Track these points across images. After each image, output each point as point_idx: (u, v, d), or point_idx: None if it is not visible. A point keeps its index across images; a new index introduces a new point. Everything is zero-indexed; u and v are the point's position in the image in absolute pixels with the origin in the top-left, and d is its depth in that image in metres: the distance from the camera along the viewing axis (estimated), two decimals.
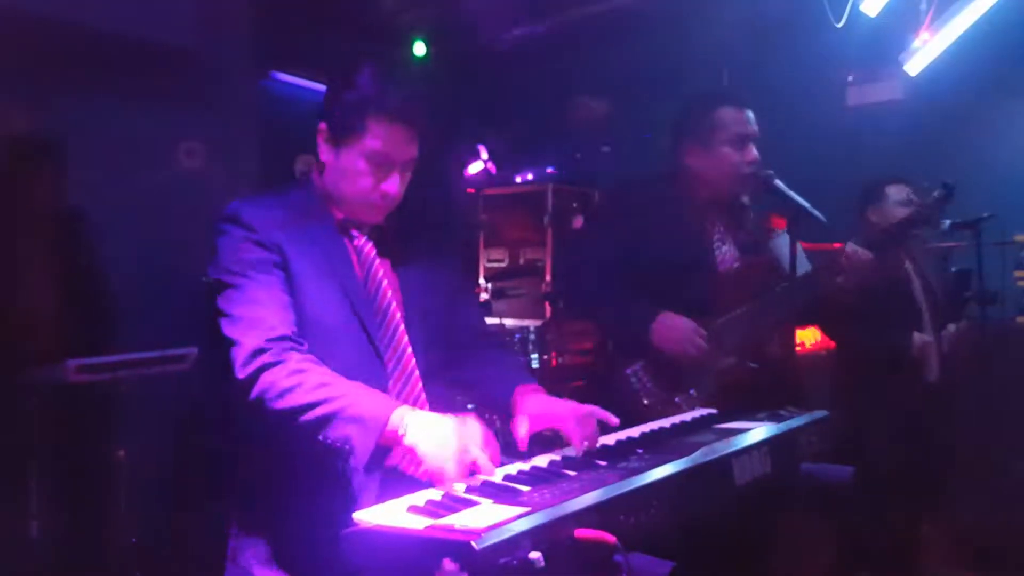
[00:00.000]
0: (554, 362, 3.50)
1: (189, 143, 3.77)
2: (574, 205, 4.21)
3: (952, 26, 3.53)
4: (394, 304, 1.52)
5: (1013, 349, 3.14)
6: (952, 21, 3.52)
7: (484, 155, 4.93)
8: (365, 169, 1.46)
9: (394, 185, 1.49)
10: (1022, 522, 2.90)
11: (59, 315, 3.00)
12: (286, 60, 4.53)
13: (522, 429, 1.45)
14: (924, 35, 3.62)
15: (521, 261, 4.10)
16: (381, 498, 1.18)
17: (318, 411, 1.28)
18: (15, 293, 2.92)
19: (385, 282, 1.53)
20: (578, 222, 4.22)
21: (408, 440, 1.24)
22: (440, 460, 1.21)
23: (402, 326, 1.52)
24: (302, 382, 1.30)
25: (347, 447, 1.26)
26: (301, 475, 1.42)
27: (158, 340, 3.07)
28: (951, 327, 2.90)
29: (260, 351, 1.33)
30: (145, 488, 3.05)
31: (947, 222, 2.90)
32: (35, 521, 2.72)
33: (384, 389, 1.44)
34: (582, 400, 1.49)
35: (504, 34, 5.01)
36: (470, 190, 4.58)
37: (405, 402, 1.43)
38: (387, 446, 1.26)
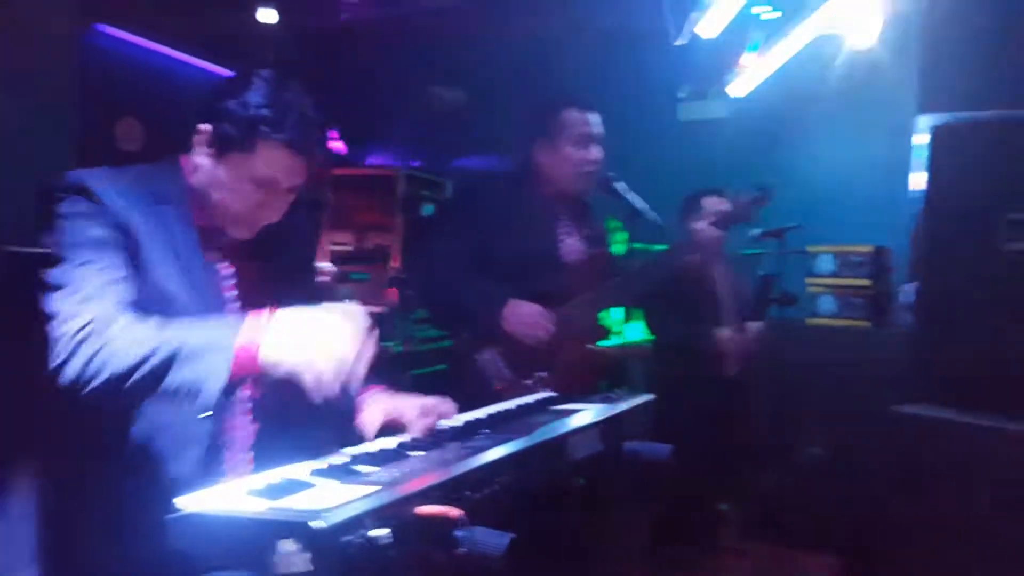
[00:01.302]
0: (400, 349, 3.49)
1: None
2: (425, 193, 4.21)
3: (772, 55, 3.91)
4: (238, 304, 1.43)
5: (804, 347, 3.54)
6: (773, 50, 3.90)
7: (335, 135, 4.80)
8: (248, 190, 1.36)
9: (277, 211, 1.40)
10: (809, 497, 3.31)
11: None
12: (114, 13, 4.16)
13: (370, 429, 1.44)
14: (749, 61, 3.98)
15: (368, 245, 4.05)
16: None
17: (152, 361, 1.16)
18: None
19: (235, 304, 1.43)
20: (427, 210, 4.24)
21: (272, 350, 1.15)
22: (308, 361, 1.13)
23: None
24: (126, 341, 1.18)
25: (195, 389, 1.14)
26: (117, 463, 1.32)
27: None
28: (752, 326, 3.25)
29: (83, 328, 1.20)
30: None
31: (757, 231, 3.21)
32: None
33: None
34: (435, 385, 1.53)
35: (362, 14, 4.90)
36: (318, 169, 4.44)
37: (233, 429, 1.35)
38: (247, 366, 1.16)
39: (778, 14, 3.81)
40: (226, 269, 1.44)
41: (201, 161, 1.39)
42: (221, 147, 1.37)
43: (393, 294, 3.77)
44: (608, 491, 1.70)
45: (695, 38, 3.83)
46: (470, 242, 2.23)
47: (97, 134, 3.64)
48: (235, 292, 1.44)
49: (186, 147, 1.43)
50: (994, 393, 2.36)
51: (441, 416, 1.47)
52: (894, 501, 2.47)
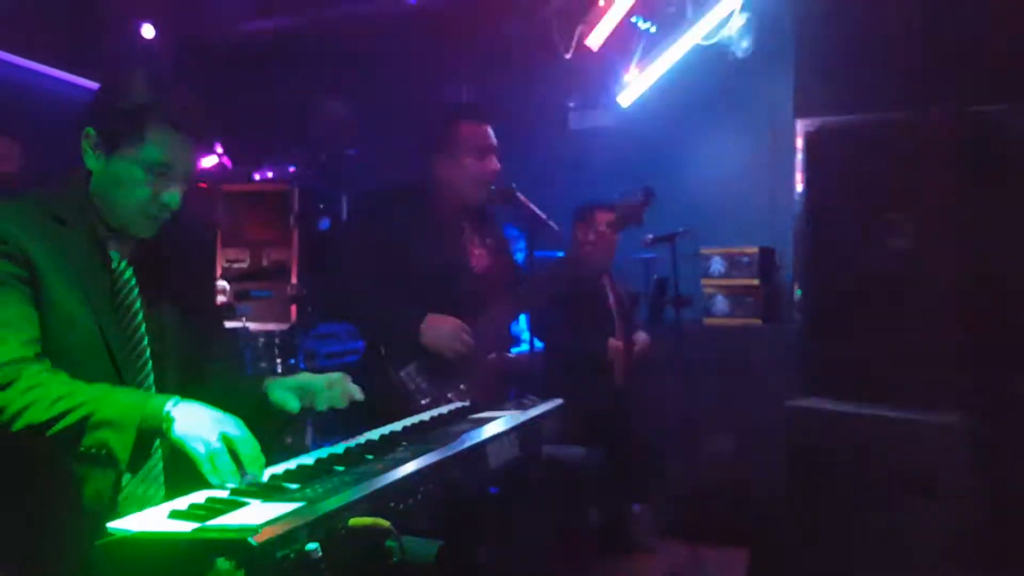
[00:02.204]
0: (302, 365, 3.41)
1: None
2: (321, 206, 4.13)
3: (656, 65, 4.11)
4: (145, 338, 1.43)
5: (701, 346, 3.69)
6: (656, 61, 4.10)
7: (219, 149, 4.63)
8: (143, 179, 1.37)
9: (175, 196, 1.41)
10: (715, 493, 3.45)
11: None
12: (4, 37, 3.87)
13: (290, 401, 1.45)
14: (634, 71, 4.16)
15: (264, 262, 3.93)
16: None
17: (64, 422, 1.18)
18: None
19: (140, 313, 1.43)
20: (325, 223, 4.17)
21: (170, 432, 1.18)
22: (205, 448, 1.16)
23: (150, 362, 1.43)
24: (38, 399, 1.19)
25: (104, 452, 1.17)
26: (39, 488, 1.29)
27: None
28: (640, 334, 3.39)
29: None
30: None
31: (650, 236, 3.36)
32: None
33: None
34: (350, 408, 1.52)
35: (243, 26, 4.77)
36: (202, 184, 4.28)
37: None
38: (148, 442, 1.19)
39: (653, 28, 4.02)
40: (130, 277, 1.45)
41: (93, 165, 1.41)
42: (110, 144, 1.38)
43: (294, 311, 3.69)
44: (528, 494, 1.74)
45: (583, 50, 3.97)
46: (376, 258, 2.22)
47: None
48: (138, 301, 1.44)
49: (73, 160, 1.42)
50: (878, 384, 2.54)
51: (347, 391, 1.51)
52: (790, 491, 2.61)
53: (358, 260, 2.25)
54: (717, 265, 3.90)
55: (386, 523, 1.03)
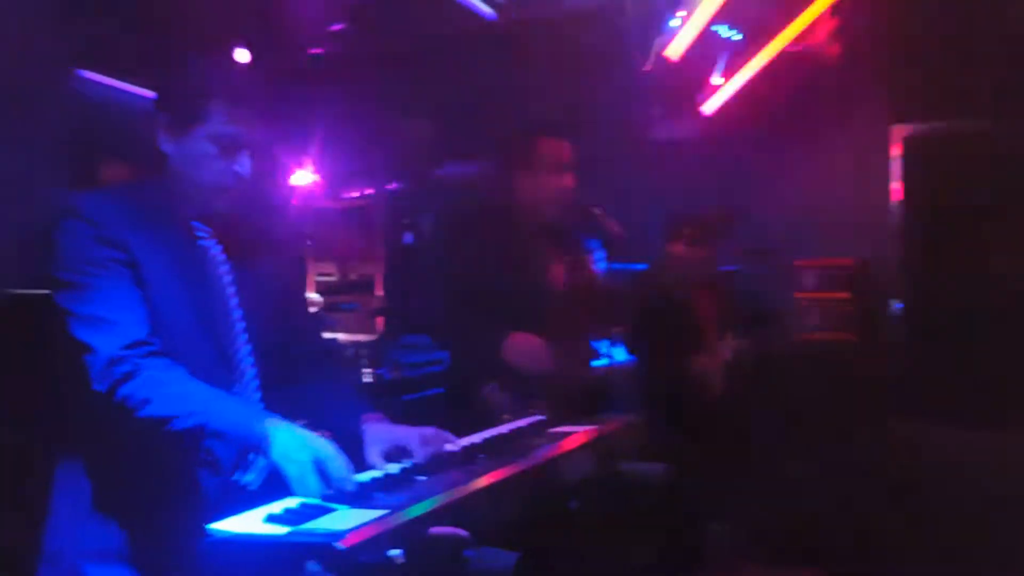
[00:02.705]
0: (387, 375, 3.52)
1: None
2: (404, 221, 4.27)
3: (742, 74, 4.04)
4: (237, 309, 1.52)
5: (794, 363, 3.56)
6: (741, 69, 4.03)
7: (312, 168, 4.85)
8: (214, 152, 1.47)
9: (245, 165, 1.50)
10: (800, 515, 3.33)
11: None
12: (94, 60, 4.20)
13: (379, 463, 1.47)
14: (718, 79, 4.10)
15: (352, 276, 4.09)
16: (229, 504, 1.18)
17: (180, 423, 1.27)
18: None
19: (231, 288, 1.52)
20: (408, 238, 4.30)
21: (271, 454, 1.26)
22: (299, 472, 1.23)
23: (244, 334, 1.51)
24: (161, 393, 1.28)
25: (210, 458, 1.27)
26: (151, 481, 1.38)
27: None
28: (733, 345, 3.31)
29: (115, 360, 1.29)
30: None
31: (740, 249, 3.29)
32: None
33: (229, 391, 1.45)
34: (427, 410, 1.57)
35: (329, 47, 4.98)
36: (295, 202, 4.49)
37: None
38: (249, 456, 1.28)
39: (738, 35, 3.94)
40: (219, 253, 1.53)
41: (167, 148, 1.50)
42: (181, 126, 1.48)
43: (380, 322, 3.81)
44: (602, 511, 1.74)
45: (663, 61, 3.95)
46: (457, 275, 2.27)
47: (84, 176, 3.67)
48: (230, 278, 1.53)
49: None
50: (985, 405, 2.39)
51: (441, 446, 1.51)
52: (885, 514, 2.49)
53: (439, 277, 2.31)
54: (810, 279, 3.78)
55: (465, 533, 1.07)
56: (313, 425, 1.58)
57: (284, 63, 4.86)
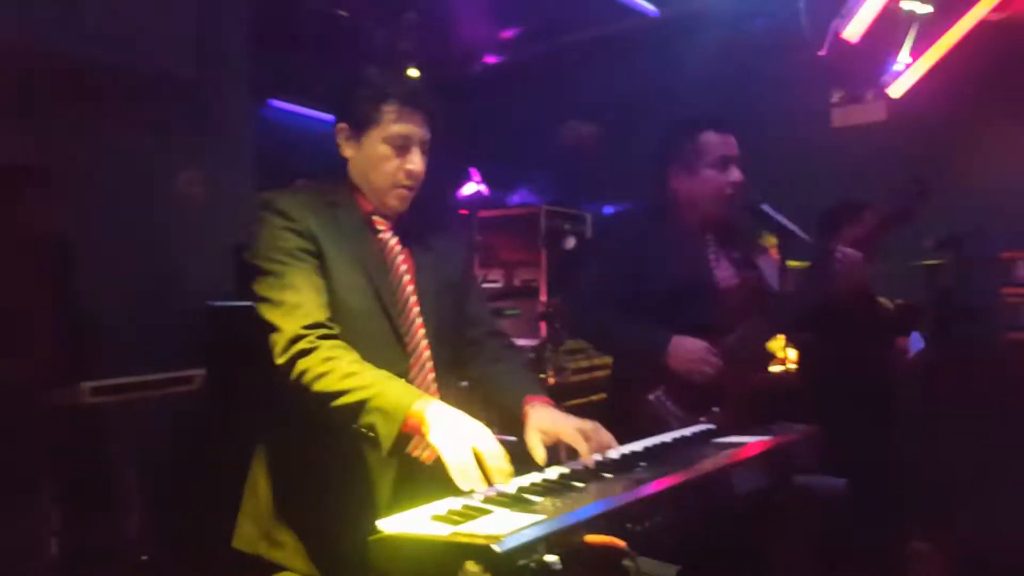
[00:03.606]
0: (551, 380, 3.56)
1: (192, 170, 3.84)
2: (566, 227, 4.30)
3: (933, 50, 3.66)
4: (413, 295, 1.64)
5: (1000, 365, 3.19)
6: (933, 45, 3.66)
7: (477, 178, 5.02)
8: (388, 153, 1.61)
9: (416, 162, 1.63)
10: (1013, 538, 2.96)
11: (72, 339, 3.05)
12: (282, 88, 4.63)
13: (537, 449, 1.50)
14: (906, 58, 3.75)
15: (516, 282, 4.18)
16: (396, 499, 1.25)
17: (347, 398, 1.38)
18: (32, 319, 2.96)
19: (407, 276, 1.65)
20: (570, 243, 4.32)
21: (428, 434, 1.32)
22: (455, 456, 1.28)
23: (419, 317, 1.63)
24: (333, 369, 1.40)
25: (372, 434, 1.35)
26: (328, 479, 1.51)
27: (164, 363, 3.13)
28: (919, 341, 2.98)
29: (297, 338, 1.43)
30: (155, 505, 3.09)
31: (931, 240, 2.98)
32: (54, 538, 2.77)
33: (403, 374, 1.56)
34: (591, 416, 1.55)
35: (494, 59, 5.13)
36: (463, 212, 4.66)
37: (418, 388, 1.51)
38: (409, 435, 1.35)
39: (928, 7, 3.58)
40: (396, 245, 1.67)
41: (348, 153, 1.67)
42: (357, 131, 1.64)
43: (542, 327, 3.86)
44: (776, 527, 1.63)
45: (840, 44, 3.67)
46: (619, 280, 2.23)
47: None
48: (407, 267, 1.66)
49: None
50: None
51: (600, 444, 1.50)
52: None
53: (600, 281, 2.28)
54: (1022, 272, 3.35)
55: (622, 543, 1.05)
56: (482, 404, 1.65)
57: (453, 76, 5.08)
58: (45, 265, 3.12)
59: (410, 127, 1.61)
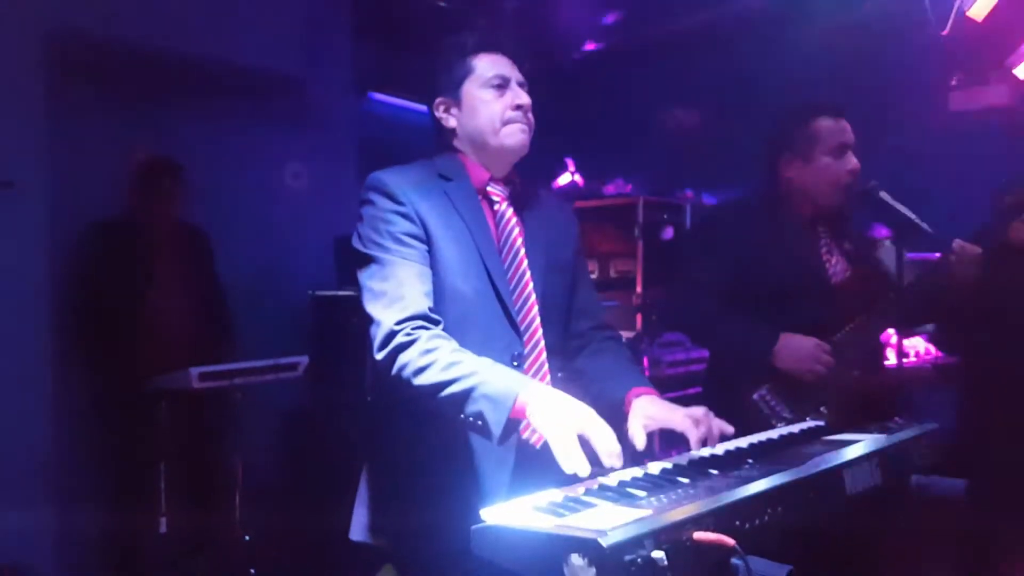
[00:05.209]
0: (647, 372, 3.51)
1: (297, 162, 3.99)
2: (664, 217, 4.21)
3: None
4: (527, 272, 1.58)
5: None
6: None
7: (572, 168, 4.99)
8: (489, 96, 1.60)
9: (521, 95, 1.61)
10: None
11: (183, 325, 3.24)
12: (382, 82, 4.74)
13: (639, 437, 1.47)
14: None
15: (612, 273, 4.13)
16: (511, 492, 1.24)
17: (452, 388, 1.35)
18: (145, 305, 3.17)
19: (522, 251, 1.59)
20: (668, 233, 4.23)
21: (535, 419, 1.29)
22: (560, 438, 1.25)
23: (534, 296, 1.58)
24: (435, 360, 1.37)
25: (480, 423, 1.33)
26: (441, 468, 1.51)
27: (270, 349, 3.28)
28: None
29: (393, 332, 1.41)
30: (259, 488, 3.25)
31: None
32: (163, 518, 2.95)
33: (518, 356, 1.53)
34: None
35: (589, 47, 5.07)
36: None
37: (531, 371, 1.51)
38: (517, 420, 1.32)
39: None
40: (513, 215, 1.62)
41: (452, 123, 1.64)
42: (455, 94, 1.62)
43: (638, 320, 3.81)
44: (891, 528, 1.55)
45: (964, 20, 3.43)
46: (723, 273, 2.15)
47: None
48: (520, 240, 1.60)
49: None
50: None
51: (712, 430, 1.46)
52: None
53: (702, 274, 2.20)
54: None
55: (731, 541, 1.02)
56: (586, 392, 1.62)
57: (553, 65, 5.04)
58: (176, 254, 3.32)
59: (501, 67, 1.61)
